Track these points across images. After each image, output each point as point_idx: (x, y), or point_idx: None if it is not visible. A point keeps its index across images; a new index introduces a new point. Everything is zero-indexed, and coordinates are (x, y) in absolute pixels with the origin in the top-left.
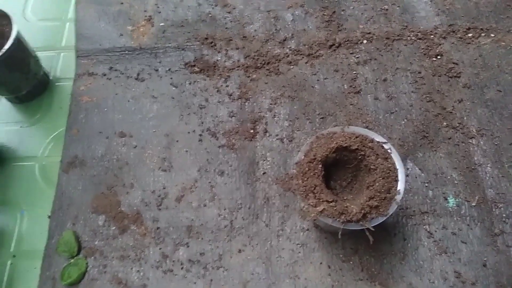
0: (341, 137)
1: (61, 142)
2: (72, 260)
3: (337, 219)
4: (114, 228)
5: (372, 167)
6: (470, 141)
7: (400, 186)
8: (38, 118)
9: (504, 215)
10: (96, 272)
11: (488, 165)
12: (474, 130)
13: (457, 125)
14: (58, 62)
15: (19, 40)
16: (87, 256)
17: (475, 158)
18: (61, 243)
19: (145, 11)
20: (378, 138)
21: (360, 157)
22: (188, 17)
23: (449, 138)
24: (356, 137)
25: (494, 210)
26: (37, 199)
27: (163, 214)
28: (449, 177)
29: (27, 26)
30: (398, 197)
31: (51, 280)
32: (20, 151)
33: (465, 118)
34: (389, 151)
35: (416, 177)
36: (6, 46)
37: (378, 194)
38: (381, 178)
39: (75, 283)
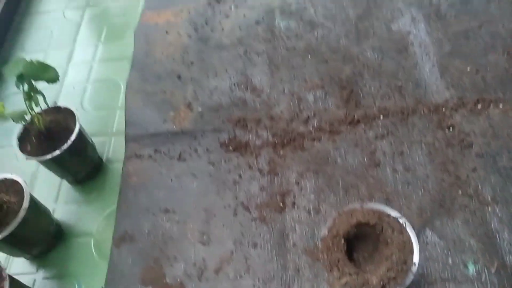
0: (361, 213)
1: (113, 219)
2: None
3: None
4: None
5: (389, 240)
6: (486, 208)
7: (416, 258)
8: (93, 197)
9: None
10: None
11: (505, 231)
12: (489, 197)
13: (472, 193)
14: (110, 146)
15: (80, 133)
16: None
17: (492, 225)
18: None
19: (184, 98)
20: (394, 213)
21: (378, 231)
22: (222, 101)
23: (465, 206)
24: (374, 213)
25: None
26: (92, 272)
27: (204, 285)
28: (467, 244)
29: (84, 115)
30: (414, 268)
31: None
32: (78, 228)
33: (479, 186)
34: (404, 225)
35: (435, 245)
36: (72, 139)
37: (395, 265)
38: (397, 251)
39: None
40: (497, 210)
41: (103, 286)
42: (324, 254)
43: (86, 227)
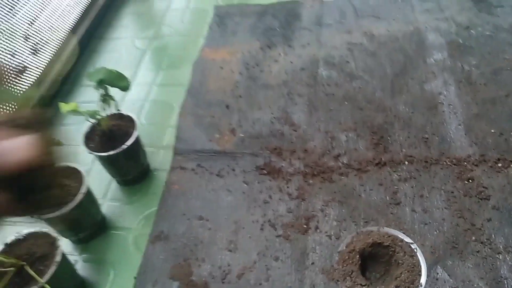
0: (377, 235)
1: (151, 219)
2: None
3: None
4: None
5: (400, 261)
6: (497, 256)
7: (423, 279)
8: (136, 198)
9: None
10: None
11: None
12: (501, 246)
13: (485, 240)
14: (158, 157)
15: (137, 138)
16: None
17: (501, 272)
18: None
19: (230, 124)
20: (407, 239)
21: (391, 252)
22: (262, 131)
23: (477, 251)
24: (389, 236)
25: None
26: (127, 262)
27: (226, 287)
28: (475, 286)
29: (140, 127)
30: None
31: None
32: (120, 223)
33: (493, 235)
34: (415, 250)
35: (444, 282)
36: (129, 142)
37: (403, 284)
38: (406, 271)
39: None
40: (508, 259)
41: (135, 276)
42: (340, 265)
43: (127, 223)
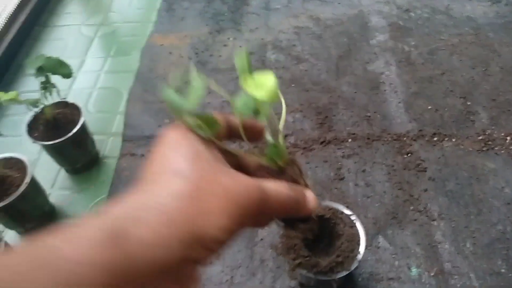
0: (319, 209)
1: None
2: None
3: (310, 271)
4: None
5: (340, 232)
6: (432, 223)
7: (361, 248)
8: (86, 186)
9: (458, 286)
10: None
11: (446, 243)
12: (436, 214)
13: (422, 209)
14: (107, 144)
15: (84, 126)
16: None
17: (436, 237)
18: None
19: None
20: (347, 211)
21: (332, 224)
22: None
23: (415, 220)
24: (330, 209)
25: (449, 280)
26: None
27: None
28: (413, 251)
29: (88, 115)
30: (359, 256)
31: None
32: (69, 212)
33: (428, 204)
34: (354, 221)
35: (385, 250)
36: (75, 130)
37: (343, 253)
38: (346, 241)
39: None
40: (442, 225)
41: None
42: (284, 239)
43: (77, 211)
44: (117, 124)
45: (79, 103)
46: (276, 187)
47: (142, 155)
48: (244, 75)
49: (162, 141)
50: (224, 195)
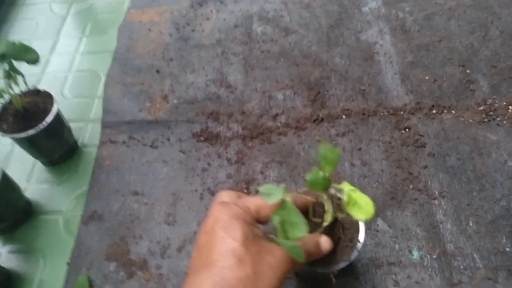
0: (314, 195)
1: (83, 199)
2: None
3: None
4: (123, 273)
5: (338, 219)
6: (433, 202)
7: (361, 236)
8: (65, 178)
9: (461, 267)
10: None
11: (448, 223)
12: (436, 192)
13: (422, 188)
14: (86, 132)
15: (58, 115)
16: None
17: (437, 217)
18: (76, 286)
19: (161, 90)
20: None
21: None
22: (197, 96)
23: (415, 199)
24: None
25: (453, 262)
26: (59, 248)
27: (166, 262)
28: (413, 233)
29: (63, 102)
30: (359, 246)
31: None
32: (48, 206)
33: (429, 182)
34: None
35: (385, 233)
36: (48, 120)
37: (342, 242)
38: (344, 229)
39: None
40: (443, 204)
41: (68, 261)
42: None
43: (56, 206)
44: (96, 109)
45: (53, 89)
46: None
47: (124, 142)
48: (347, 195)
49: (216, 221)
50: (271, 273)
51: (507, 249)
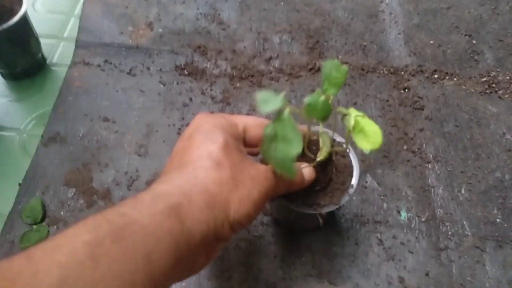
0: (307, 134)
1: (45, 119)
2: (34, 227)
3: (293, 203)
4: (82, 201)
5: (332, 159)
6: (426, 165)
7: (354, 181)
8: (27, 95)
9: (449, 233)
10: None
11: (440, 188)
12: (431, 156)
13: (416, 150)
14: (57, 50)
15: (25, 18)
16: (50, 224)
17: (429, 180)
18: (27, 209)
19: (147, 17)
20: (339, 138)
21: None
22: (185, 28)
23: (408, 161)
24: (320, 134)
25: (441, 227)
26: (12, 168)
27: (132, 194)
28: (403, 194)
29: (35, 15)
30: (351, 190)
31: (9, 243)
32: (3, 122)
33: (424, 145)
34: (347, 150)
35: (373, 190)
36: (13, 21)
37: (334, 184)
38: (338, 171)
39: None
40: (436, 168)
41: (20, 182)
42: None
43: (13, 123)
44: (71, 28)
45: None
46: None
47: (99, 66)
48: (354, 120)
49: (197, 128)
50: (251, 184)
51: (498, 219)
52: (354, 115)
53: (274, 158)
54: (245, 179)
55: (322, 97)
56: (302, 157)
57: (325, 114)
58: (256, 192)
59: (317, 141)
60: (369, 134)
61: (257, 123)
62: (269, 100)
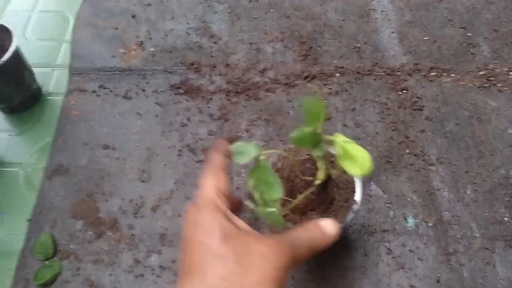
0: (306, 151)
1: (47, 152)
2: (47, 262)
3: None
4: (90, 233)
5: (333, 178)
6: (430, 168)
7: (357, 197)
8: (27, 128)
9: (458, 236)
10: (70, 275)
11: (445, 190)
12: (434, 158)
13: (419, 152)
14: (52, 79)
15: (17, 53)
16: (62, 258)
17: (434, 183)
18: (38, 245)
19: (137, 36)
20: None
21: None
22: (176, 44)
23: (411, 164)
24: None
25: (449, 231)
26: (19, 203)
27: (139, 221)
28: (409, 199)
29: (26, 44)
30: (355, 207)
31: (24, 280)
32: (6, 158)
33: (426, 147)
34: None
35: (378, 198)
36: (5, 58)
37: (337, 202)
38: (340, 189)
39: (47, 284)
40: (440, 170)
41: (29, 218)
42: None
43: (15, 158)
44: (63, 54)
45: (14, 33)
46: (298, 235)
47: (94, 92)
48: (341, 147)
49: (195, 226)
50: (264, 263)
51: (505, 218)
52: (340, 142)
53: (261, 211)
54: (256, 261)
55: (309, 129)
56: (299, 179)
57: (315, 142)
58: (273, 270)
59: (312, 161)
60: (357, 159)
61: (225, 180)
62: (244, 151)
